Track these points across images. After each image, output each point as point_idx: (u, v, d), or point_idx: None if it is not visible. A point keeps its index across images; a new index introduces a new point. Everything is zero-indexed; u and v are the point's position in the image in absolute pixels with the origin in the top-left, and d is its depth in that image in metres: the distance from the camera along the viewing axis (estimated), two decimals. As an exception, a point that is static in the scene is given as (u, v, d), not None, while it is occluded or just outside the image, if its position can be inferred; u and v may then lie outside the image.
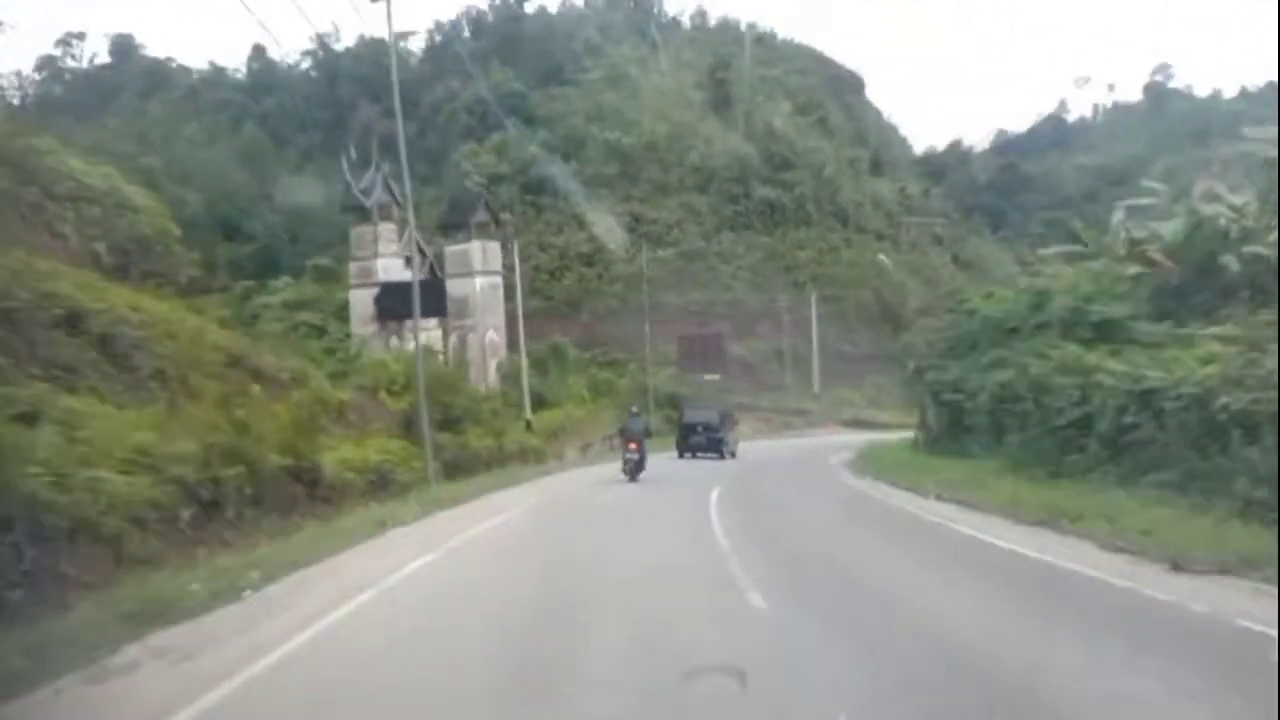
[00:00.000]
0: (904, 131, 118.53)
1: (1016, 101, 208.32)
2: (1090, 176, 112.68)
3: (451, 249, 40.42)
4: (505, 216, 50.87)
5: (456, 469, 23.41)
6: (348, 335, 44.81)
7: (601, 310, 69.12)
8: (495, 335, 39.48)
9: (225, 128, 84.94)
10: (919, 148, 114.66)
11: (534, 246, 73.44)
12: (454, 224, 42.30)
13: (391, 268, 42.74)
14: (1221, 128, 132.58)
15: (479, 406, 29.69)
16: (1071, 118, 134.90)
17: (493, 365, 39.51)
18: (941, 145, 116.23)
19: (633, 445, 22.38)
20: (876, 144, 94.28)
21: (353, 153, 43.11)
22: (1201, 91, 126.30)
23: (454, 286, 39.71)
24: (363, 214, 42.85)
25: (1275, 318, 13.20)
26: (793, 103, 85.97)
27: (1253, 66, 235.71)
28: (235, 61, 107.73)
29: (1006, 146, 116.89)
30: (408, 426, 23.19)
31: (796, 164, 77.15)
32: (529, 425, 34.50)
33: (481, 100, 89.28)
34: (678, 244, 72.67)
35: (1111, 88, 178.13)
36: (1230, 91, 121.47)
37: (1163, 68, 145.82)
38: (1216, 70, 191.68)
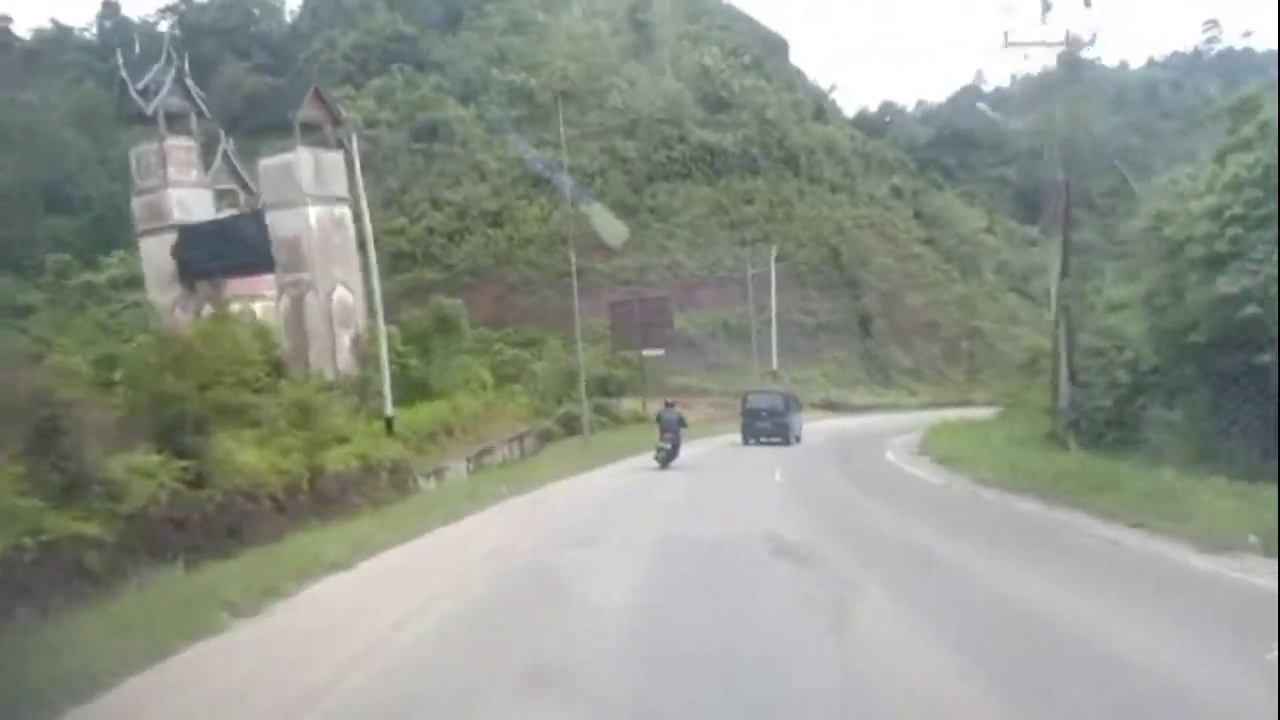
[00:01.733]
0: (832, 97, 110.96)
1: (934, 73, 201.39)
2: (1026, 138, 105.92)
3: (268, 163, 26.63)
4: (348, 115, 37.20)
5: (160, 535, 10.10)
6: (135, 304, 30.78)
7: (513, 279, 55.77)
8: (346, 294, 25.82)
9: (68, 89, 68.97)
10: (849, 112, 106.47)
11: (425, 203, 59.60)
12: (266, 126, 28.27)
13: (192, 202, 28.74)
14: (1135, 96, 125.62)
15: (266, 403, 16.54)
16: (988, 88, 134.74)
17: (345, 339, 25.88)
18: (873, 107, 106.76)
19: (667, 435, 22.64)
20: (815, 96, 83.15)
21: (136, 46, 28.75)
22: (1111, 62, 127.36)
23: (278, 222, 25.99)
24: (146, 125, 28.69)
25: None
26: (721, 49, 73.74)
27: (1158, 37, 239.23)
28: (84, 20, 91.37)
29: (929, 116, 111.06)
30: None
31: (735, 104, 64.93)
32: (389, 426, 21.22)
33: (362, 45, 75.13)
34: (602, 197, 59.60)
35: (1026, 57, 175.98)
36: (1137, 61, 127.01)
37: (1075, 37, 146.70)
38: (1125, 41, 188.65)
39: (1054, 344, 19.93)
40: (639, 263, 57.04)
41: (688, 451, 23.30)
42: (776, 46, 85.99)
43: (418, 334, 29.25)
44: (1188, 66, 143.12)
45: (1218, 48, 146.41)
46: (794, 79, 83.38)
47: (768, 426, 30.96)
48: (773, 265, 54.07)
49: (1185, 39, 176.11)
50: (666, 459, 22.03)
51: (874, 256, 63.69)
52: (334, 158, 25.15)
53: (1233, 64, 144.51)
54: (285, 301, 26.25)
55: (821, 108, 77.72)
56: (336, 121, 25.38)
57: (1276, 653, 5.08)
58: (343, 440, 18.83)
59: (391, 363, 27.35)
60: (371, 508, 16.59)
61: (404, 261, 54.21)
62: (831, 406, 49.63)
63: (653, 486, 18.09)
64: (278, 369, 23.54)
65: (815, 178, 66.00)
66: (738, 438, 30.42)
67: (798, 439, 31.42)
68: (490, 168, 60.72)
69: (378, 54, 71.65)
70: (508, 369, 34.40)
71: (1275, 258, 13.87)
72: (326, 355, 25.41)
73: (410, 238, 57.01)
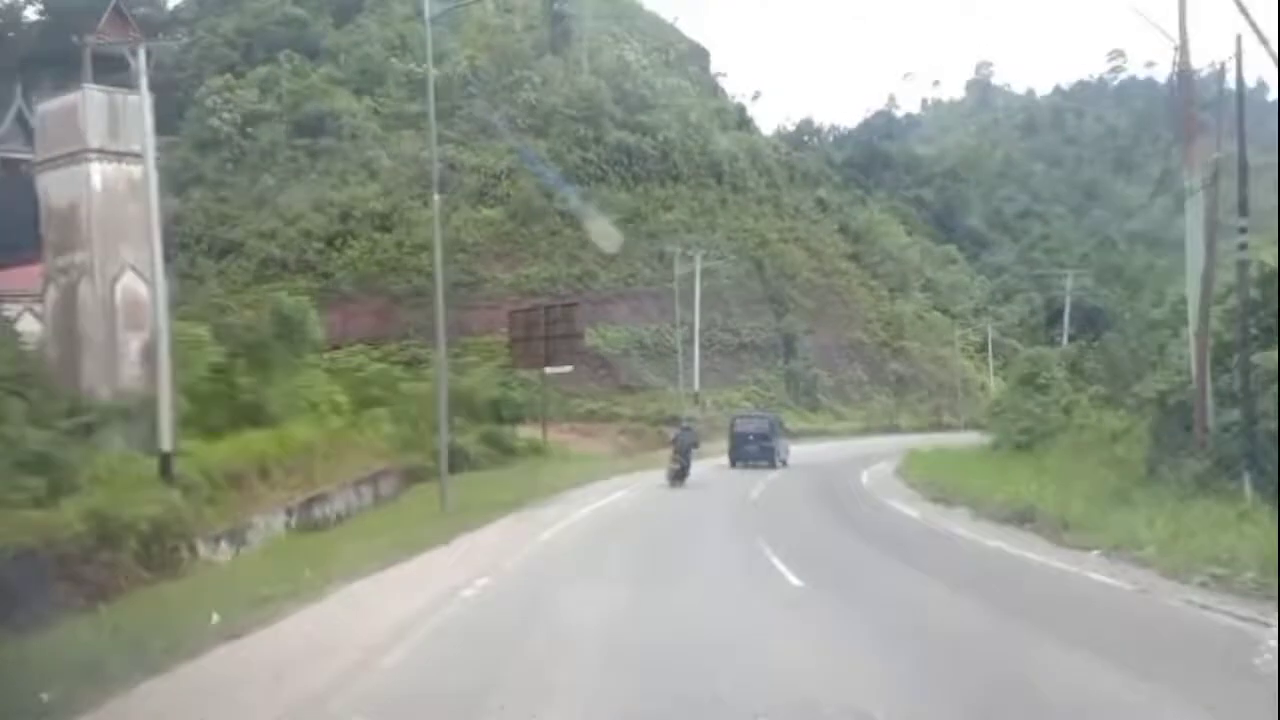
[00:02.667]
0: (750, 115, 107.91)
1: (846, 98, 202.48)
2: (946, 159, 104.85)
3: (46, 108, 20.02)
4: (173, 42, 30.64)
5: None
6: None
7: (400, 289, 49.17)
8: (137, 283, 19.15)
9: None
10: (766, 130, 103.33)
11: (304, 204, 52.58)
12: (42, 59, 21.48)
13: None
14: (1042, 121, 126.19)
15: None
16: (899, 113, 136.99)
17: (133, 344, 19.21)
18: (790, 127, 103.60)
19: (676, 455, 24.81)
20: (737, 107, 79.05)
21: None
22: (1019, 89, 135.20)
23: (52, 187, 19.36)
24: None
25: None
26: (643, 45, 68.84)
27: (1065, 66, 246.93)
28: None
29: (842, 140, 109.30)
30: None
31: (656, 104, 59.83)
32: (165, 468, 14.91)
33: (246, 30, 67.63)
34: (507, 200, 53.72)
35: (936, 83, 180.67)
36: (1044, 89, 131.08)
37: (984, 65, 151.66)
38: (1032, 69, 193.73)
39: (1196, 350, 14.73)
40: (546, 272, 51.25)
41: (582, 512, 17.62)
42: (698, 55, 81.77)
43: (250, 344, 22.79)
44: (1092, 95, 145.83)
45: (1121, 77, 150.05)
46: (716, 87, 79.25)
47: (754, 450, 31.58)
48: (697, 278, 49.01)
49: (1091, 68, 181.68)
50: (675, 478, 24.42)
51: (799, 271, 59.36)
52: (136, 102, 18.50)
53: (1135, 93, 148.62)
54: (53, 294, 19.49)
55: (745, 118, 73.51)
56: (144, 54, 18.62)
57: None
58: (66, 491, 12.50)
59: (208, 379, 20.84)
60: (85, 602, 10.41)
61: (273, 269, 47.26)
62: None
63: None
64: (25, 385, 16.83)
65: (739, 186, 61.42)
66: (663, 477, 24.99)
67: (784, 463, 32.01)
68: (382, 165, 54.14)
69: (264, 40, 64.32)
70: (371, 389, 27.96)
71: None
72: (105, 366, 18.78)
73: (283, 242, 49.96)
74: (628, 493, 22.86)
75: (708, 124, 62.19)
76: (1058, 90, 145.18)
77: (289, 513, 17.26)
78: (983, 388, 62.92)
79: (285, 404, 22.06)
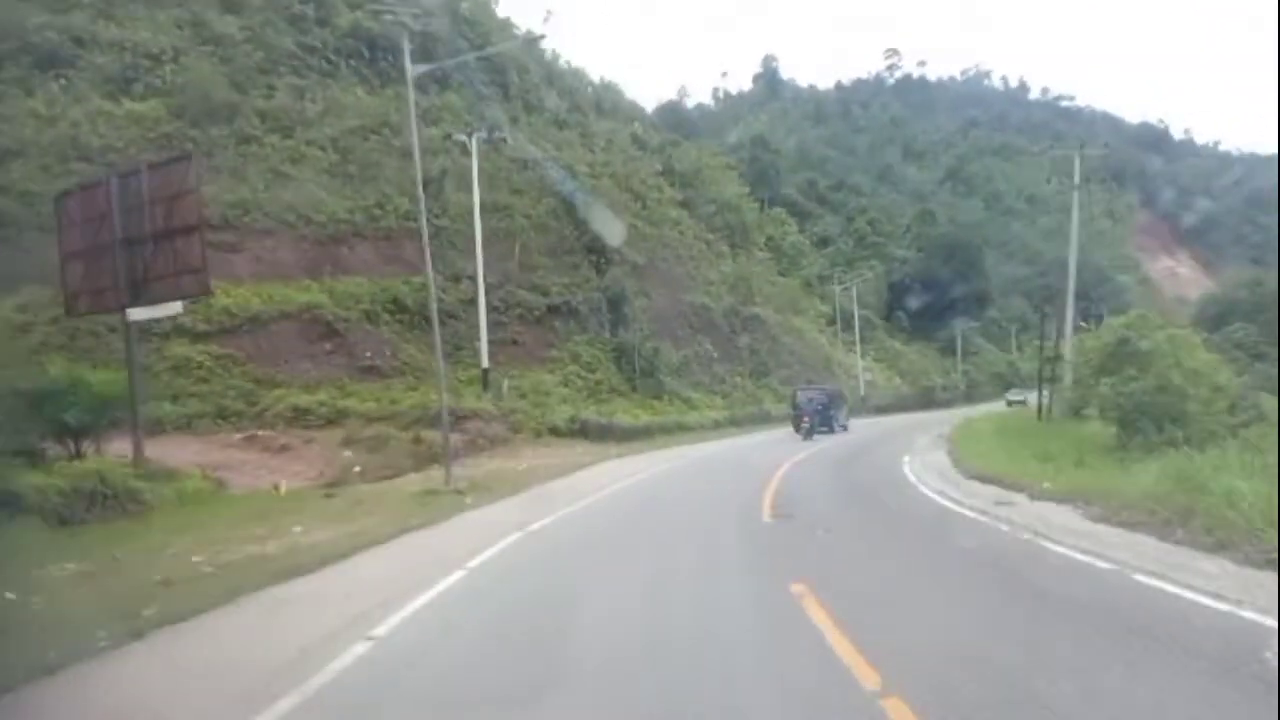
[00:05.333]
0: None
1: (631, 88, 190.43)
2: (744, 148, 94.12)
3: None
4: None
5: None
6: None
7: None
8: None
9: None
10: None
11: None
12: None
13: None
14: (831, 112, 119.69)
15: None
16: (691, 103, 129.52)
17: None
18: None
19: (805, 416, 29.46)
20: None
21: None
22: (802, 83, 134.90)
23: None
24: None
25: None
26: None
27: (848, 63, 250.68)
28: None
29: None
30: None
31: (413, -22, 40.86)
32: None
33: None
34: (170, 91, 33.12)
35: (725, 75, 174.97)
36: (825, 84, 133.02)
37: (770, 58, 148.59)
38: (814, 65, 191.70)
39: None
40: (237, 196, 31.04)
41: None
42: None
43: None
44: (871, 91, 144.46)
45: (898, 74, 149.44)
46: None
47: (815, 420, 31.08)
48: (476, 213, 30.58)
49: (869, 65, 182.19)
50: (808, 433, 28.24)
51: (621, 216, 42.37)
52: None
53: (911, 89, 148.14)
54: None
55: (536, 37, 55.84)
56: None
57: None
58: None
59: None
60: None
61: None
62: (584, 431, 26.73)
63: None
64: None
65: (532, 105, 43.71)
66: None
67: (844, 428, 33.31)
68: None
69: None
70: None
71: None
72: None
73: None
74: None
75: (488, 19, 43.98)
76: (839, 86, 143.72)
77: None
78: (841, 365, 49.16)
79: None
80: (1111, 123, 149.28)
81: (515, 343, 31.72)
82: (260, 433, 21.25)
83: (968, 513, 10.22)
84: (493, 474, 16.93)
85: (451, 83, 40.61)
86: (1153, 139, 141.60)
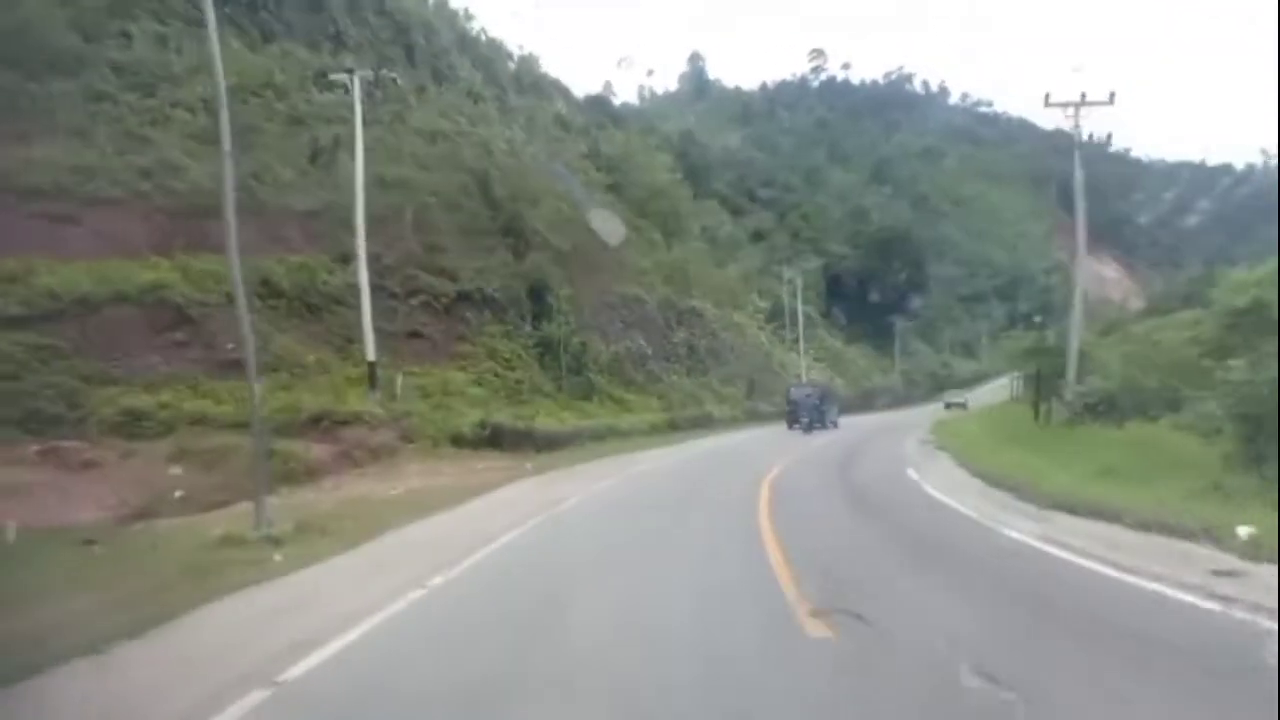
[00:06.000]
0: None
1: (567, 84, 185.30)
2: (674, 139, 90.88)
3: None
4: None
5: None
6: None
7: None
8: None
9: None
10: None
11: None
12: None
13: None
14: (757, 113, 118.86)
15: None
16: (617, 101, 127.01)
17: None
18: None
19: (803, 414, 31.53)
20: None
21: None
22: (729, 84, 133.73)
23: None
24: None
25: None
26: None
27: (774, 65, 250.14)
28: None
29: None
30: None
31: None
32: None
33: None
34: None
35: (651, 73, 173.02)
36: (750, 85, 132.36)
37: (697, 57, 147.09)
38: (739, 67, 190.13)
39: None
40: (80, 160, 25.43)
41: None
42: None
43: None
44: (797, 93, 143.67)
45: (822, 76, 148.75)
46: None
47: (808, 416, 32.88)
48: (358, 183, 25.41)
49: (795, 68, 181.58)
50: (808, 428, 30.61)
51: (543, 198, 37.75)
52: None
53: (834, 91, 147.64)
54: None
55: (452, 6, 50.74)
56: None
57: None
58: None
59: None
60: None
61: None
62: (495, 439, 21.84)
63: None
64: None
65: (442, 73, 38.76)
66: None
67: (835, 425, 33.99)
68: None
69: None
70: None
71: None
72: None
73: None
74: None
75: (391, -24, 38.83)
76: (765, 88, 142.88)
77: None
78: (782, 365, 45.56)
79: None
80: (1028, 128, 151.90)
81: (419, 335, 26.72)
82: (64, 444, 15.92)
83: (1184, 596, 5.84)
84: (346, 506, 12.02)
85: (348, 42, 35.39)
86: (1066, 145, 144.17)
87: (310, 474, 14.77)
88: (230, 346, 22.85)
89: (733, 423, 35.62)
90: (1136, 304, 77.87)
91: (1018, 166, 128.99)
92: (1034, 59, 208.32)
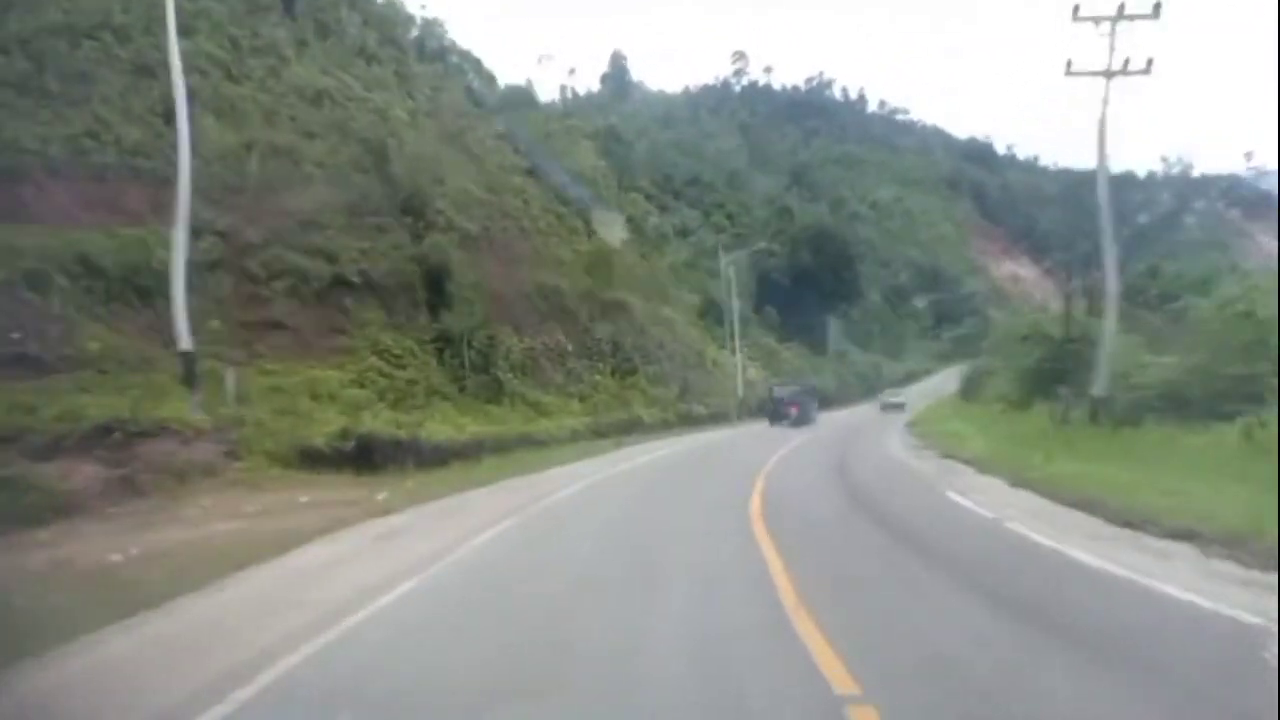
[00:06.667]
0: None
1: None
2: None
3: None
4: None
5: None
6: None
7: None
8: None
9: None
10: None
11: None
12: None
13: None
14: (679, 116, 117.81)
15: None
16: (541, 100, 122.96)
17: None
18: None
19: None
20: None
21: None
22: (652, 86, 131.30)
23: None
24: None
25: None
26: None
27: (697, 69, 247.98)
28: None
29: None
30: None
31: None
32: None
33: None
34: None
35: (572, 72, 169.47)
36: (674, 88, 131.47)
37: (619, 57, 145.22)
38: (662, 68, 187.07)
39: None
40: None
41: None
42: None
43: None
44: (720, 96, 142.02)
45: (745, 80, 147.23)
46: None
47: (790, 412, 34.79)
48: (182, 137, 20.08)
49: (718, 71, 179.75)
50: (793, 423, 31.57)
51: (449, 176, 32.84)
52: None
53: (756, 96, 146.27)
54: None
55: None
56: None
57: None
58: None
59: None
60: None
61: None
62: (363, 454, 16.76)
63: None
64: None
65: (327, 27, 33.55)
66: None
67: (813, 421, 34.97)
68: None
69: None
70: None
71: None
72: None
73: None
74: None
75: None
76: (686, 91, 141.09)
77: None
78: (716, 364, 41.67)
79: None
80: (942, 137, 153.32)
81: (281, 326, 21.52)
82: None
83: None
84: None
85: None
86: (979, 153, 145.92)
87: (58, 511, 9.80)
88: (15, 336, 17.39)
89: (665, 427, 31.38)
90: (1055, 304, 77.40)
91: (932, 173, 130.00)
92: (949, 67, 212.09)
